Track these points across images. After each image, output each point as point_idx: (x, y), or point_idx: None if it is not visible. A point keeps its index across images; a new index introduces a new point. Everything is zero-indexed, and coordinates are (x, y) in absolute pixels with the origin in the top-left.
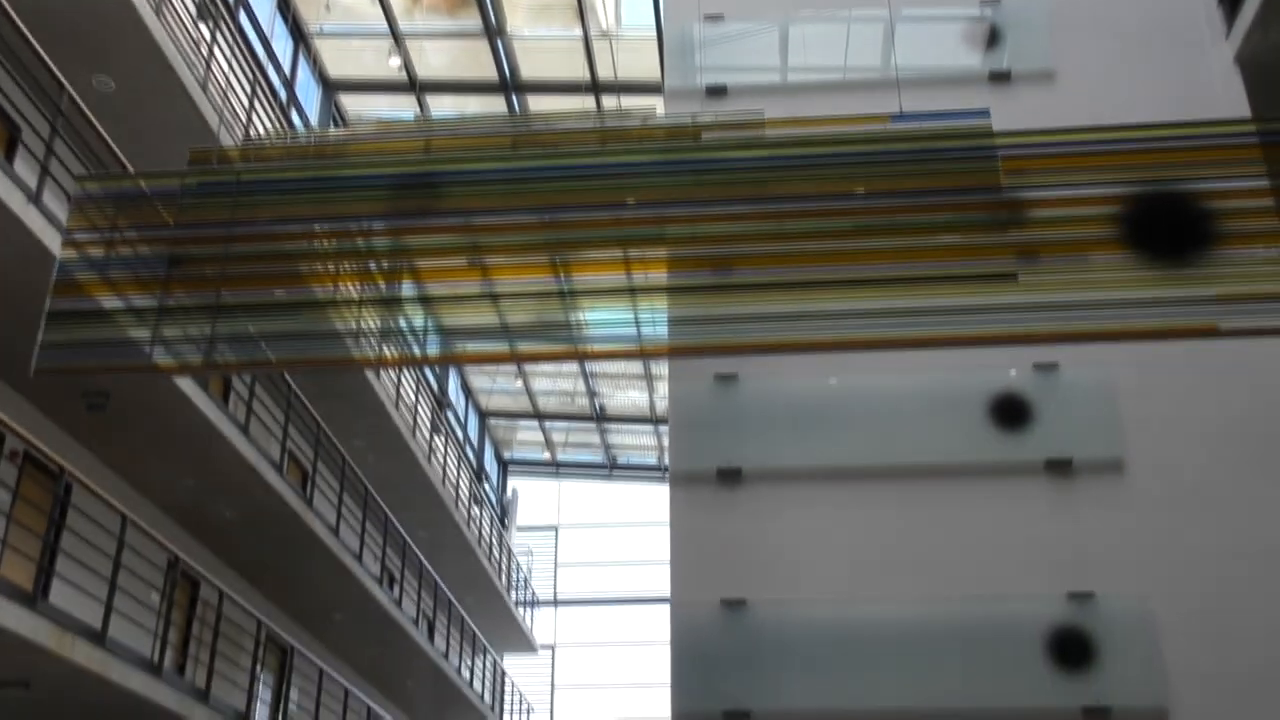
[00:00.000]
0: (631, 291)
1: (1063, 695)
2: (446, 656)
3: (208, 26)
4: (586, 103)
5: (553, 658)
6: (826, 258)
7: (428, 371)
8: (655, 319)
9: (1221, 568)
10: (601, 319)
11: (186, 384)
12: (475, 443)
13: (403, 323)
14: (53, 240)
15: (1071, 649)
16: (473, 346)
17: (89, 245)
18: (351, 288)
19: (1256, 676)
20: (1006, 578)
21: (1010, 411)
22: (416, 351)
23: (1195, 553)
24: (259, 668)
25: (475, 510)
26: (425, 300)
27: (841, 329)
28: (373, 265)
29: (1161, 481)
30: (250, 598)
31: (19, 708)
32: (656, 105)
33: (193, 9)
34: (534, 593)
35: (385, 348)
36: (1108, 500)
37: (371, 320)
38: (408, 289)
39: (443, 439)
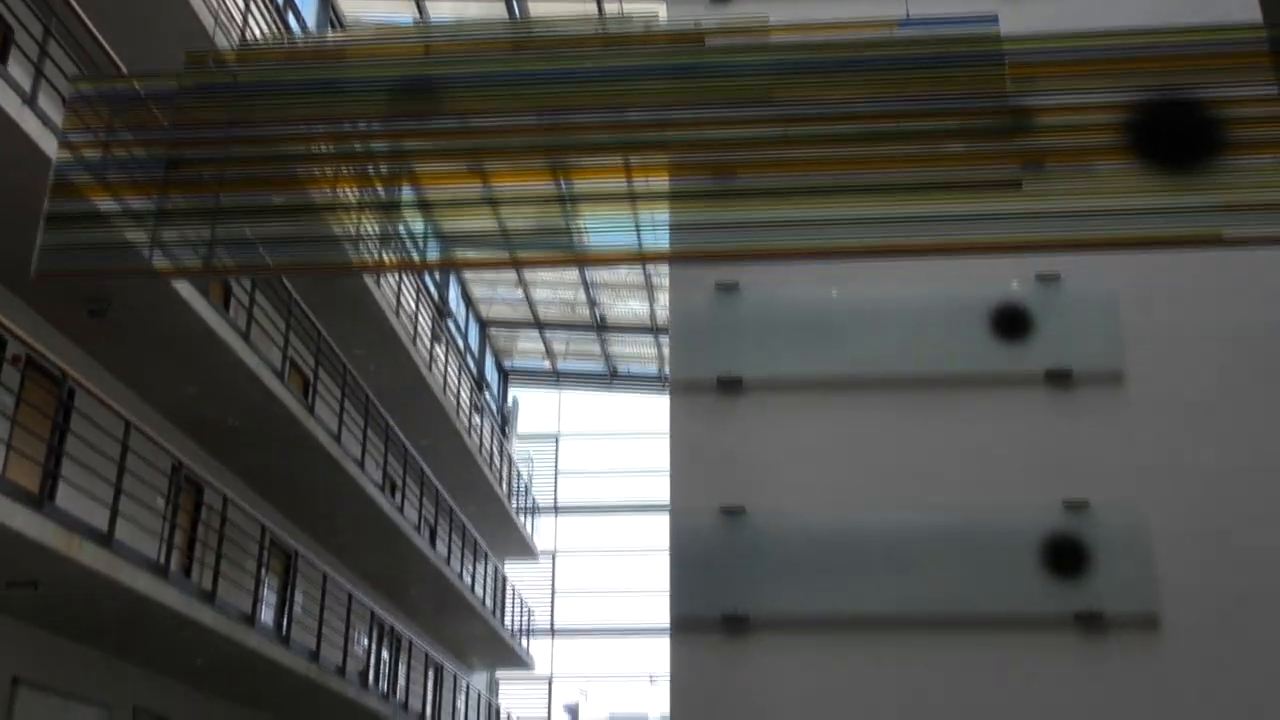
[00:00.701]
0: (632, 197)
1: (1056, 601)
2: (448, 562)
3: None
4: (588, 8)
5: (553, 564)
6: (829, 164)
7: (428, 280)
8: (656, 225)
9: (1218, 479)
10: (602, 225)
11: (187, 290)
12: (476, 352)
13: (402, 228)
14: (49, 144)
15: (1065, 556)
16: (472, 252)
17: (85, 147)
18: (350, 192)
19: (1247, 586)
20: (1003, 487)
21: (1011, 323)
22: (416, 257)
23: (1192, 464)
24: (264, 571)
25: (476, 419)
26: (424, 205)
27: (844, 236)
28: (371, 170)
29: (1161, 393)
30: (254, 503)
31: (29, 608)
32: (659, 10)
33: None
34: (534, 500)
35: (384, 253)
36: (1106, 411)
37: (371, 225)
38: (407, 194)
39: (443, 347)
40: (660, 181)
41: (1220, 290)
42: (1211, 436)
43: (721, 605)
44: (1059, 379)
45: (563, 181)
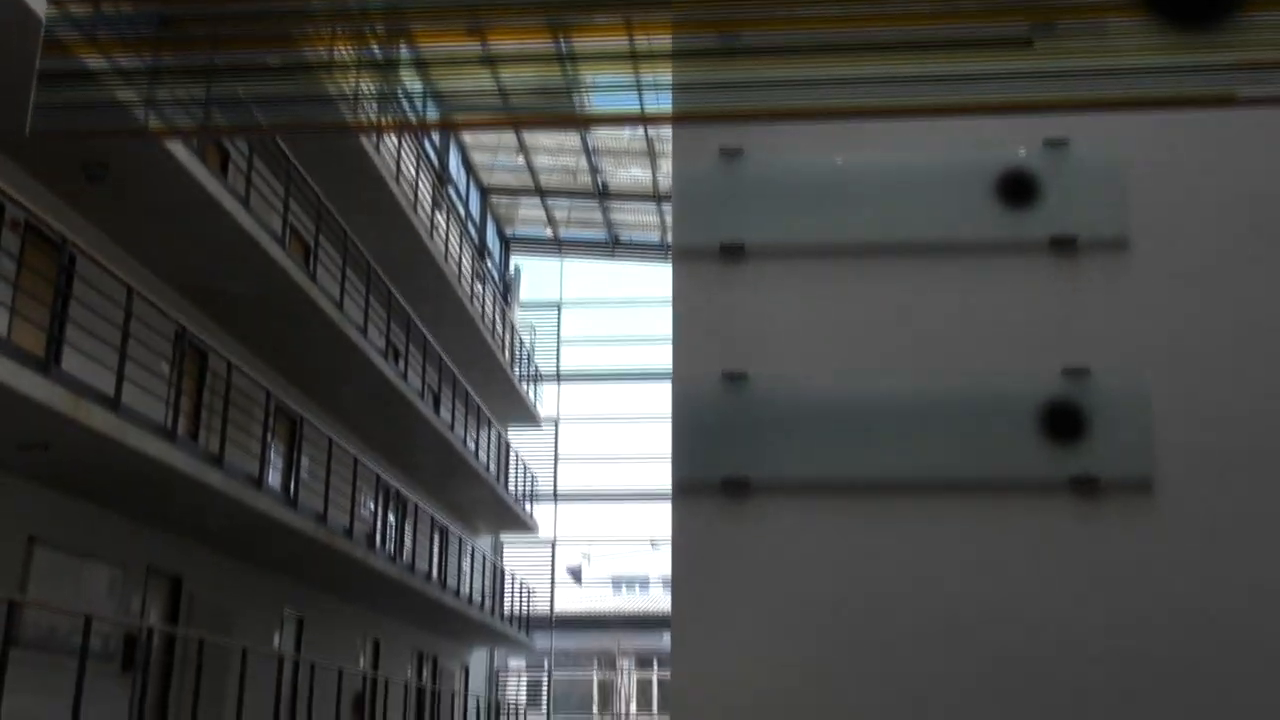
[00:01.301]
0: (634, 57)
1: (1052, 466)
2: (452, 428)
3: None
4: None
5: (555, 431)
6: (837, 20)
7: (427, 146)
8: (659, 86)
9: (1220, 348)
10: (603, 85)
11: (183, 154)
12: (477, 219)
13: (399, 88)
14: (39, 4)
15: (1063, 422)
16: (470, 113)
17: (74, 3)
18: (347, 51)
19: (1242, 452)
20: (1004, 354)
21: (1017, 188)
22: (413, 117)
23: (1195, 332)
24: (270, 436)
25: (478, 287)
26: (422, 64)
27: (850, 96)
28: (368, 28)
29: (1167, 260)
30: (259, 369)
31: (42, 470)
32: None
33: None
34: (537, 368)
35: (381, 113)
36: (1110, 279)
37: (368, 85)
38: (404, 53)
39: (444, 215)
40: (663, 39)
41: (1230, 157)
42: (1216, 304)
43: (722, 469)
44: (1063, 246)
45: (563, 40)
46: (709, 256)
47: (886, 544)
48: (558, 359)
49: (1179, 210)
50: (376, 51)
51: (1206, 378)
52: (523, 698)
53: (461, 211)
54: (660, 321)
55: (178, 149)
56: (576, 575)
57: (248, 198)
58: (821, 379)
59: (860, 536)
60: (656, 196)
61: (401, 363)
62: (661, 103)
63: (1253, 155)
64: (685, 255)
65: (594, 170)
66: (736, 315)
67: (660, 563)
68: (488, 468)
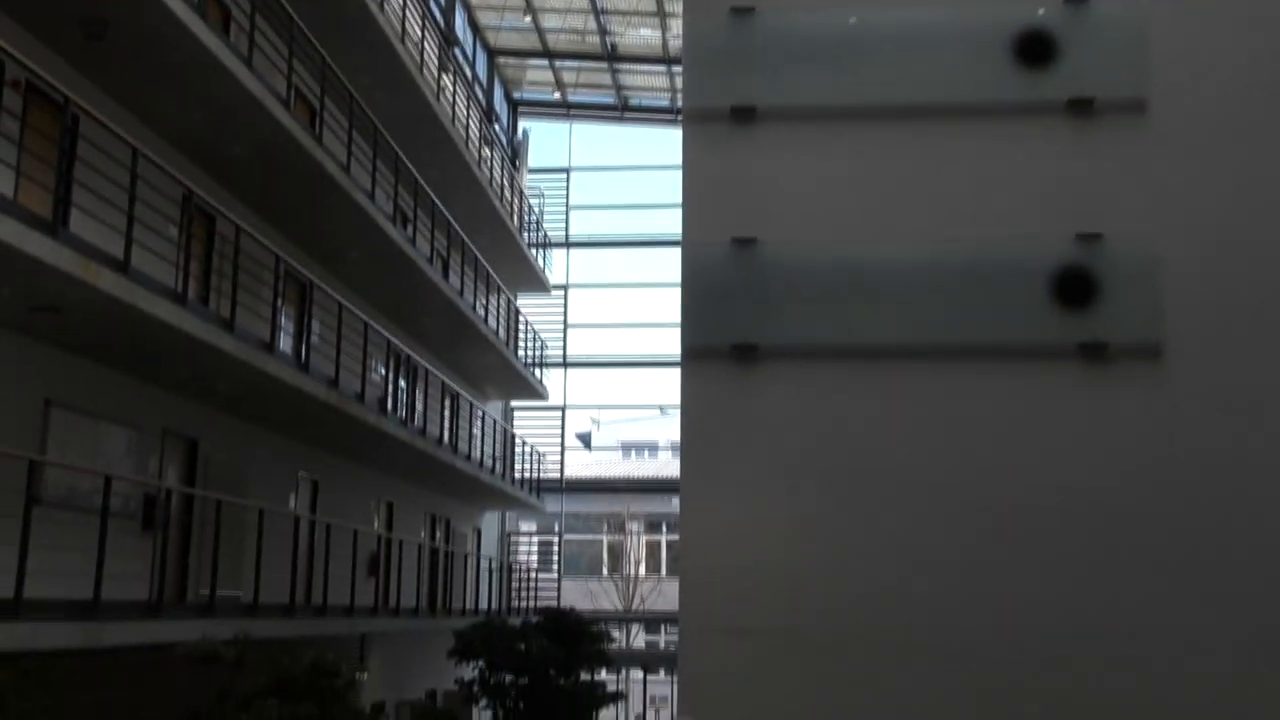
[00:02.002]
0: None
1: (1061, 331)
2: (461, 294)
3: None
4: None
5: (565, 297)
6: None
7: (433, 5)
8: None
9: (1237, 214)
10: None
11: (184, 11)
12: (484, 82)
13: None
14: None
15: (1074, 288)
16: None
17: None
18: None
19: (1254, 321)
20: (1017, 219)
21: (1034, 48)
22: None
23: (1212, 198)
24: (280, 301)
25: (486, 151)
26: None
27: None
28: None
29: (1185, 124)
30: (267, 235)
31: (55, 333)
32: None
33: None
34: (546, 234)
35: None
36: (1128, 142)
37: None
38: None
39: (451, 77)
40: None
41: (1256, 18)
42: (1234, 169)
43: (732, 335)
44: (1081, 108)
45: None
46: (719, 119)
47: (894, 409)
48: (566, 225)
49: (1200, 72)
50: None
51: (1222, 245)
52: (534, 560)
53: (468, 73)
54: (670, 186)
55: (177, 5)
56: (586, 441)
57: (250, 58)
58: (832, 244)
59: (868, 402)
60: (666, 59)
61: (410, 228)
62: None
63: (1278, 17)
64: (695, 118)
65: (602, 31)
66: (747, 179)
67: (669, 428)
68: (497, 334)
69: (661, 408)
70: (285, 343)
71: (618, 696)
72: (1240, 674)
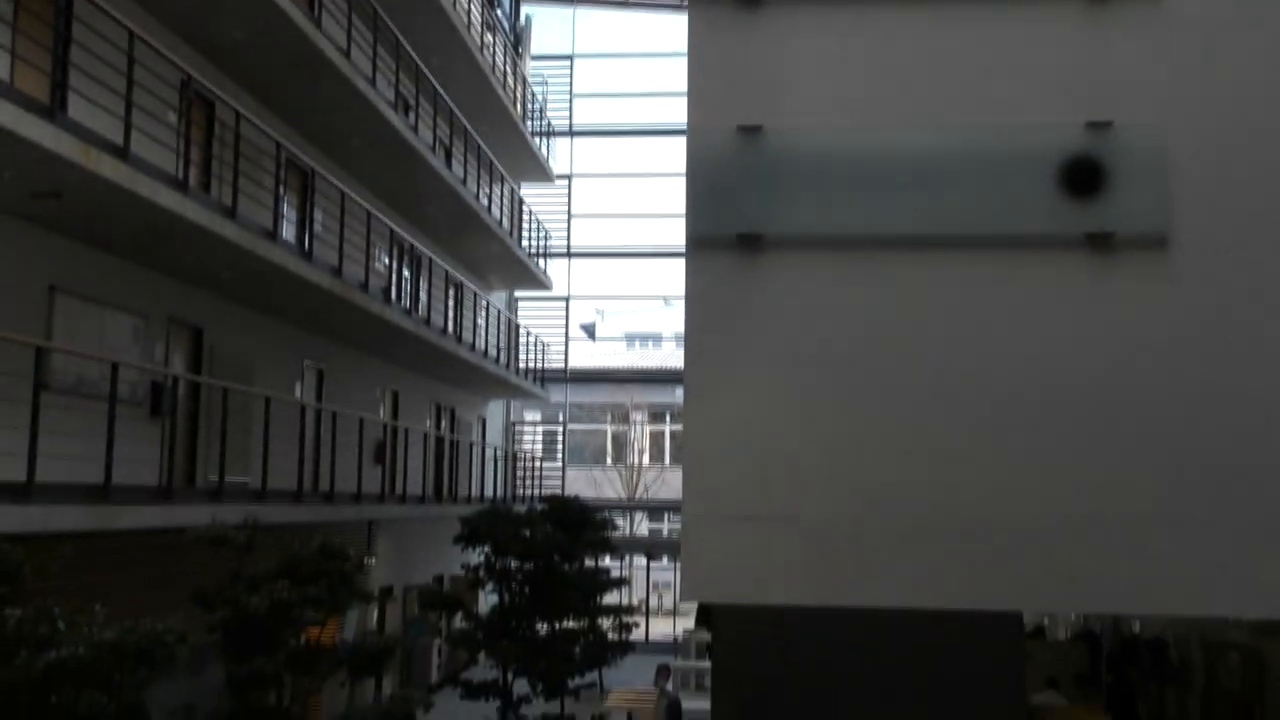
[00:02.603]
0: None
1: (1068, 222)
2: (464, 182)
3: None
4: None
5: (569, 187)
6: None
7: None
8: None
9: (1249, 106)
10: None
11: None
12: None
13: None
14: None
15: (1082, 177)
16: None
17: None
18: None
19: (1262, 213)
20: (1027, 106)
21: None
22: None
23: (1225, 88)
24: (282, 189)
25: (488, 37)
26: None
27: None
28: None
29: (1201, 11)
30: (268, 122)
31: (57, 220)
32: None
33: None
34: (549, 123)
35: None
36: (1141, 27)
37: None
38: None
39: None
40: None
41: None
42: (1248, 60)
43: (736, 224)
44: None
45: None
46: (725, 4)
47: (899, 299)
48: (570, 113)
49: None
50: None
51: (1232, 136)
52: (538, 449)
53: None
54: (676, 75)
55: None
56: (590, 332)
57: None
58: (838, 131)
59: (872, 292)
60: None
61: (412, 115)
62: None
63: None
64: (701, 2)
65: None
66: (753, 66)
67: (673, 320)
68: (500, 223)
69: (666, 299)
70: (288, 231)
71: (621, 582)
72: (1239, 556)
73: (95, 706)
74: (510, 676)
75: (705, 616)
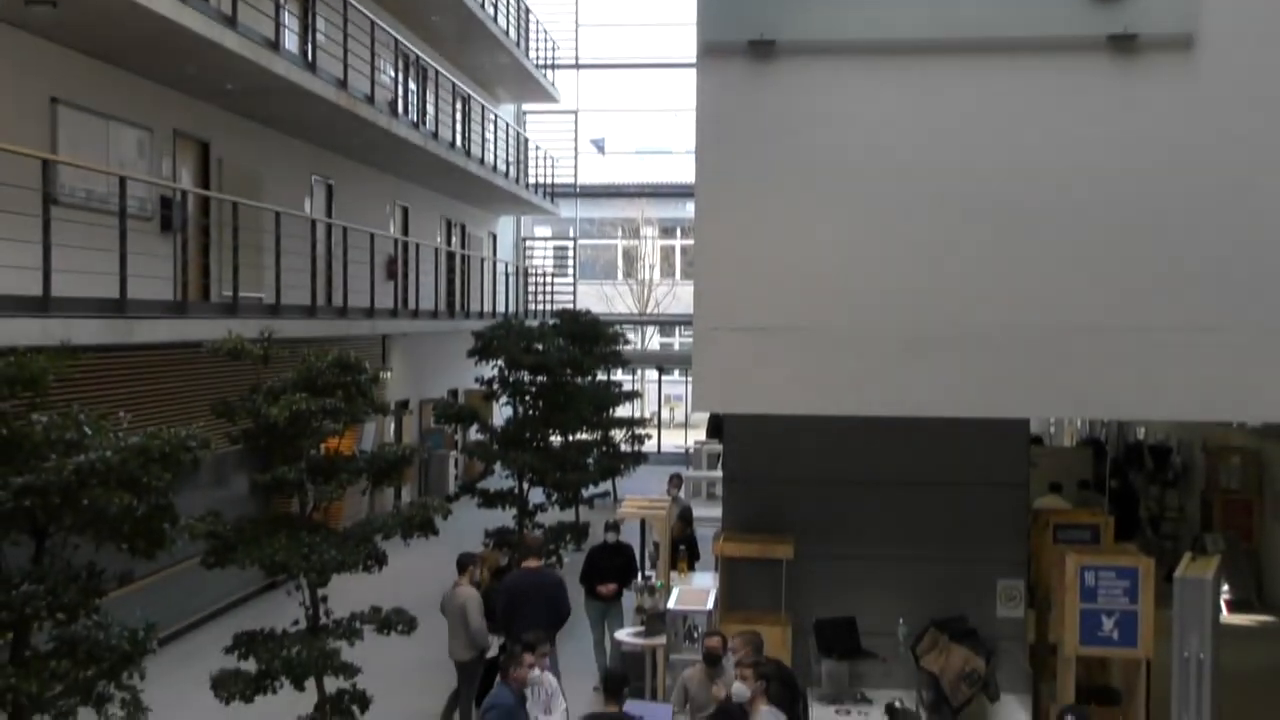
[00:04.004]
0: None
1: (1090, 22)
2: None
3: None
4: None
5: None
6: None
7: None
8: None
9: None
10: None
11: None
12: None
13: None
14: None
15: None
16: None
17: None
18: None
19: None
20: None
21: None
22: None
23: None
24: None
25: None
26: None
27: None
28: None
29: None
30: None
31: (56, 29)
32: None
33: None
34: None
35: None
36: None
37: None
38: None
39: None
40: None
41: None
42: None
43: (748, 30)
44: None
45: None
46: None
47: (915, 106)
48: None
49: None
50: None
51: None
52: (549, 264)
53: None
54: None
55: None
56: (600, 146)
57: None
58: None
59: (889, 98)
60: None
61: None
62: None
63: None
64: None
65: None
66: None
67: (683, 134)
68: (507, 33)
69: (676, 111)
70: (291, 42)
71: (633, 395)
72: (1243, 362)
73: (125, 508)
74: (526, 486)
75: (716, 428)
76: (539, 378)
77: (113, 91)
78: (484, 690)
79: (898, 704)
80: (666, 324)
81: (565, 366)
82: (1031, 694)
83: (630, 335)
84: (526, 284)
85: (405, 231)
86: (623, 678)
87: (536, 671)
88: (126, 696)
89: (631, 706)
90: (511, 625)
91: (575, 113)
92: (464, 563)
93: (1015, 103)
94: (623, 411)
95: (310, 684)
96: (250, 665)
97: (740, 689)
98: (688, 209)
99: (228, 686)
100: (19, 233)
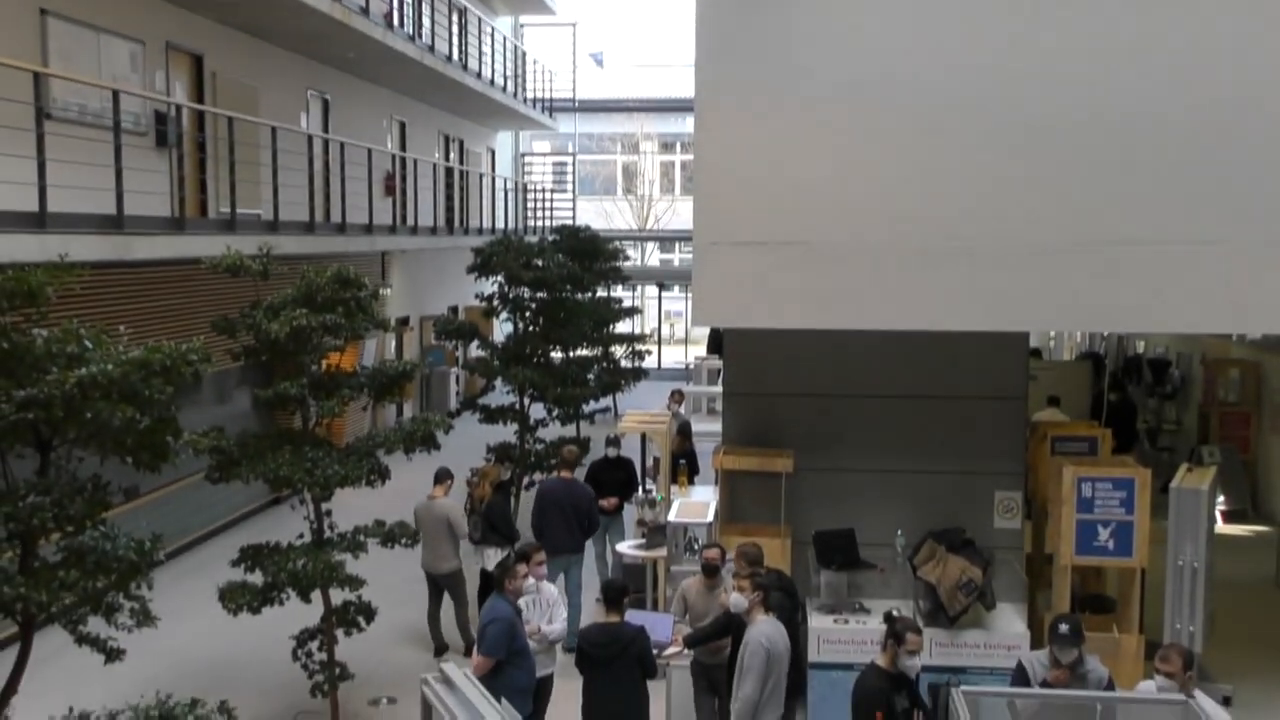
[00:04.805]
0: None
1: None
2: None
3: None
4: None
5: None
6: None
7: None
8: None
9: None
10: None
11: None
12: None
13: None
14: None
15: None
16: None
17: None
18: None
19: None
20: None
21: None
22: None
23: None
24: None
25: None
26: None
27: None
28: None
29: None
30: None
31: None
32: None
33: None
34: None
35: None
36: None
37: None
38: None
39: None
40: None
41: None
42: None
43: None
44: None
45: None
46: None
47: (916, 19)
48: None
49: None
50: None
51: None
52: (548, 180)
53: None
54: None
55: None
56: (599, 60)
57: None
58: None
59: (889, 11)
60: None
61: None
62: None
63: None
64: None
65: None
66: None
67: (683, 48)
68: None
69: (676, 24)
70: None
71: (633, 311)
72: (1243, 274)
73: (128, 421)
74: (526, 402)
75: (716, 343)
76: (539, 294)
77: (103, 3)
78: (481, 602)
79: (895, 613)
80: (666, 240)
81: (565, 282)
82: (1027, 603)
83: (630, 251)
84: (525, 200)
85: (403, 147)
86: (622, 588)
87: (531, 581)
88: (135, 606)
89: (633, 616)
90: (541, 532)
91: (573, 25)
92: (441, 475)
93: (1015, 15)
94: (623, 328)
95: (316, 597)
96: (257, 578)
97: (737, 599)
98: (687, 124)
99: (235, 598)
100: (13, 148)
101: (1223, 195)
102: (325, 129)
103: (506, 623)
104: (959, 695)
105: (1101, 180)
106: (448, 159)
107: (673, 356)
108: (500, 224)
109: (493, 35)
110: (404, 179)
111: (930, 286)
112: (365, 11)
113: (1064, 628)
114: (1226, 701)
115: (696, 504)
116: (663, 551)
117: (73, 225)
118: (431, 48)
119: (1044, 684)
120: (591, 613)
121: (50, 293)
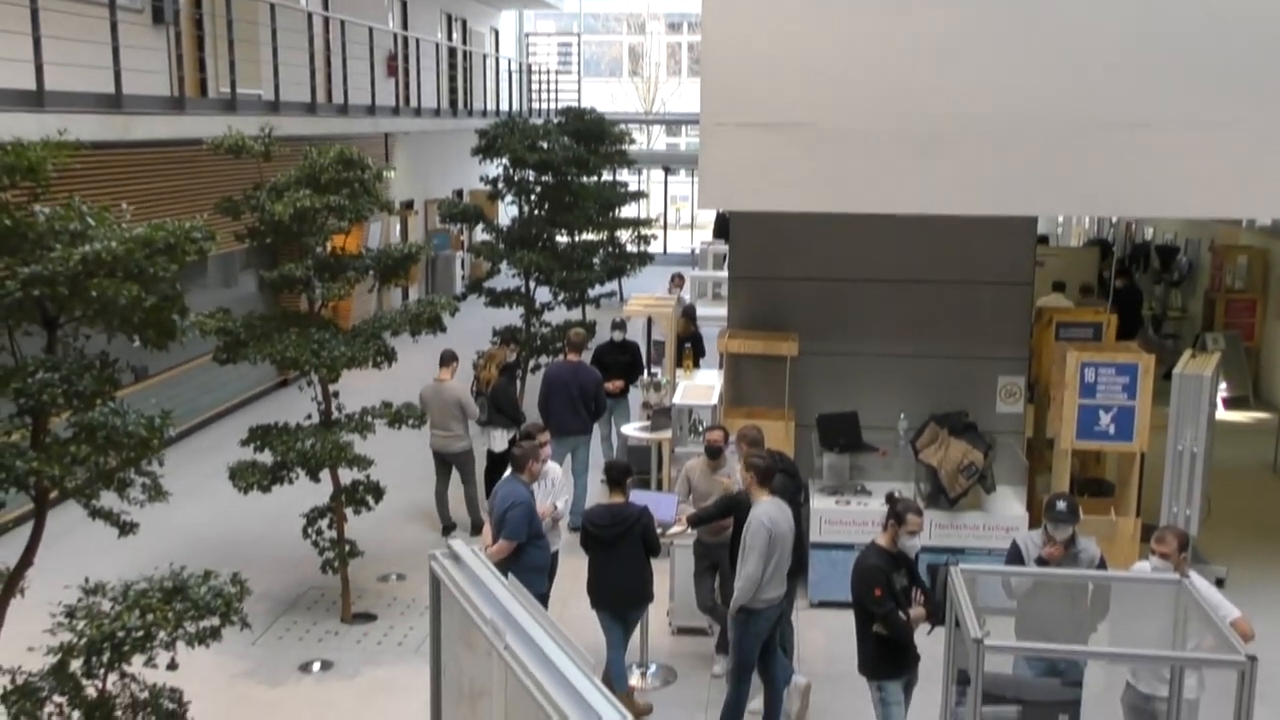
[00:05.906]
0: None
1: None
2: None
3: None
4: None
5: None
6: None
7: None
8: None
9: None
10: None
11: None
12: None
13: None
14: None
15: None
16: None
17: None
18: None
19: None
20: None
21: None
22: None
23: None
24: None
25: None
26: None
27: None
28: None
29: None
30: None
31: None
32: None
33: None
34: None
35: None
36: None
37: None
38: None
39: None
40: None
41: None
42: None
43: None
44: None
45: None
46: None
47: None
48: None
49: None
50: None
51: None
52: (553, 61)
53: None
54: None
55: None
56: None
57: None
58: None
59: None
60: None
61: None
62: None
63: None
64: None
65: None
66: None
67: None
68: None
69: None
70: None
71: (639, 195)
72: (1255, 160)
73: (135, 298)
74: (532, 285)
75: (722, 229)
76: (544, 177)
77: None
78: (490, 484)
79: (896, 494)
80: (673, 123)
81: (570, 165)
82: (1026, 486)
83: (636, 135)
84: (530, 82)
85: (405, 26)
86: (625, 468)
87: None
88: (147, 481)
89: (638, 496)
90: (548, 415)
91: None
92: (447, 358)
93: None
94: (629, 212)
95: (325, 476)
96: (266, 458)
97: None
98: (695, 3)
99: (245, 477)
100: (6, 24)
101: (1235, 77)
102: (325, 7)
103: (527, 506)
104: (957, 573)
105: (1112, 64)
106: (451, 39)
107: (678, 241)
108: (505, 106)
109: None
110: (406, 59)
111: (938, 170)
112: None
113: (1061, 505)
114: (1219, 583)
115: (701, 387)
116: (667, 434)
117: (71, 104)
118: None
119: (1038, 561)
120: (597, 493)
121: (50, 169)
